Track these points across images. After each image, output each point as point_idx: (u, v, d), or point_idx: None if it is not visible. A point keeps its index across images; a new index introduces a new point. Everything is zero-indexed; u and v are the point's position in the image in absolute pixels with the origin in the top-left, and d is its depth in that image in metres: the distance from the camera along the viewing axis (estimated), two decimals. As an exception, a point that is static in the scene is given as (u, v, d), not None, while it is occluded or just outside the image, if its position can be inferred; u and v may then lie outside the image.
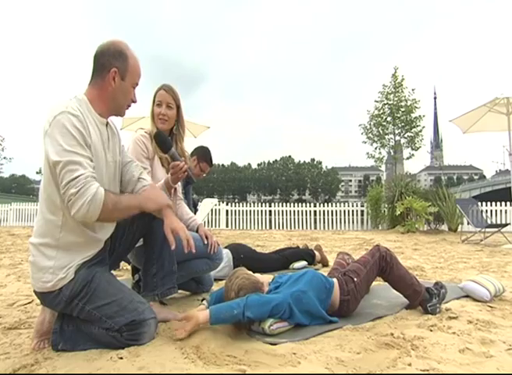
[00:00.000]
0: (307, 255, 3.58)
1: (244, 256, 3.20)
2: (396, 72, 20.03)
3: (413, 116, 19.37)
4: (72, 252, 1.50)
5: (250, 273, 1.86)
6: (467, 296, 2.25)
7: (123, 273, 3.30)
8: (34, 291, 1.56)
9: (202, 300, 1.91)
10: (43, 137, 1.44)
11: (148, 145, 2.22)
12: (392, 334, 1.56)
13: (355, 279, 1.87)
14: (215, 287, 2.65)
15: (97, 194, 1.37)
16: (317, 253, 3.67)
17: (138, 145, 2.20)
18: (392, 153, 20.94)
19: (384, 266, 1.93)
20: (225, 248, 3.33)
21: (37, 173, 75.76)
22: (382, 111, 20.22)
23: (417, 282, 1.98)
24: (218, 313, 1.55)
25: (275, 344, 1.50)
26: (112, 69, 1.56)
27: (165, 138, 1.99)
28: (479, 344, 1.50)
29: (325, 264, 3.66)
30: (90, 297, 1.49)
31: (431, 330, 1.63)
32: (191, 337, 1.52)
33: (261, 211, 11.77)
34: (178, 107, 2.29)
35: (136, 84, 1.67)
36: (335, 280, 1.90)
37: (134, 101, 1.69)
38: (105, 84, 1.57)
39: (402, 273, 1.96)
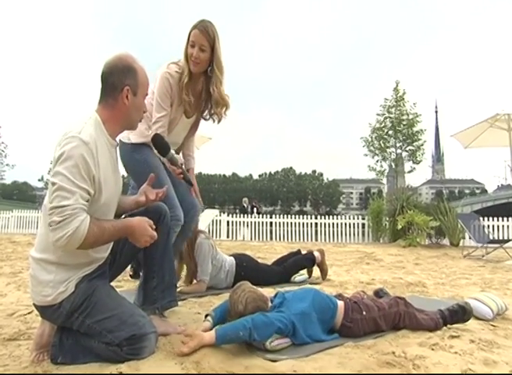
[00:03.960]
0: (308, 260, 3.48)
1: (247, 265, 3.17)
2: (397, 86, 20.17)
3: (414, 129, 19.45)
4: (72, 268, 1.50)
5: (254, 287, 1.85)
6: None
7: (123, 285, 3.28)
8: (34, 304, 1.55)
9: (206, 316, 1.89)
10: (55, 156, 1.43)
11: (173, 84, 2.18)
12: (393, 353, 1.54)
13: (364, 313, 1.78)
14: (216, 300, 2.63)
15: (79, 229, 1.35)
16: (317, 254, 3.49)
17: (163, 83, 2.17)
18: (393, 166, 20.96)
19: (397, 323, 1.86)
20: (230, 256, 3.30)
21: (38, 180, 76.05)
22: (383, 124, 20.31)
23: (435, 321, 1.88)
24: (224, 335, 1.53)
25: (275, 361, 1.49)
26: (124, 89, 1.55)
27: (163, 142, 1.91)
28: (482, 364, 1.48)
29: (323, 268, 3.51)
30: (90, 311, 1.48)
31: (432, 349, 1.61)
32: (191, 353, 1.51)
33: (262, 222, 11.75)
34: (212, 48, 2.14)
35: (147, 94, 1.68)
36: (340, 302, 1.84)
37: (145, 112, 1.69)
38: (118, 105, 1.57)
39: (417, 326, 1.87)
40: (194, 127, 2.53)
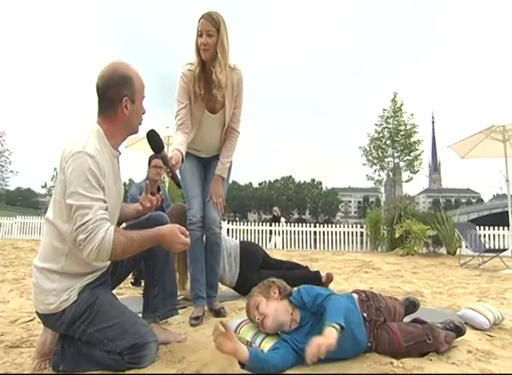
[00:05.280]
0: (314, 279, 3.22)
1: (255, 259, 3.09)
2: (395, 97, 20.32)
3: (412, 140, 19.54)
4: (75, 277, 1.50)
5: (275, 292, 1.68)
6: (465, 323, 2.22)
7: (125, 292, 3.27)
8: (36, 312, 1.54)
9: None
10: (60, 172, 1.45)
11: (187, 82, 2.26)
12: (391, 363, 1.52)
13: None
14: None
15: (104, 240, 1.36)
16: (324, 275, 3.28)
17: (178, 83, 2.28)
18: (391, 175, 21.02)
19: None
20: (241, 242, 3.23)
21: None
22: (381, 134, 20.42)
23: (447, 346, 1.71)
24: (253, 369, 1.40)
25: (275, 371, 1.48)
26: (123, 100, 1.55)
27: (156, 139, 1.80)
28: (479, 375, 1.48)
29: None
30: (92, 319, 1.48)
31: (430, 360, 1.59)
32: (192, 362, 1.50)
33: (262, 230, 11.73)
34: (218, 31, 2.16)
35: (144, 97, 1.66)
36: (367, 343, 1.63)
37: (144, 113, 1.68)
38: (119, 116, 1.56)
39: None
40: (224, 124, 2.40)
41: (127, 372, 1.42)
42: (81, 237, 1.36)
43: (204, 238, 2.44)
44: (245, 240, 3.37)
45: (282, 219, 13.82)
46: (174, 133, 2.32)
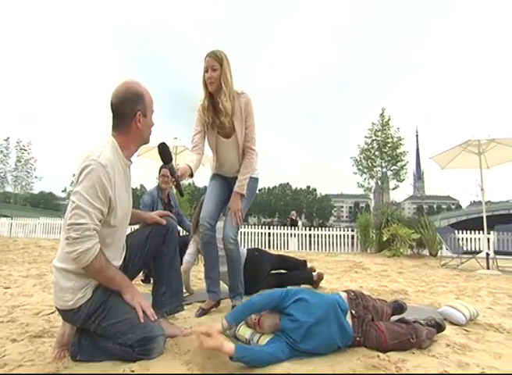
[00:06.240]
0: (307, 279, 3.39)
1: (258, 268, 3.05)
2: (383, 112, 20.41)
3: (398, 151, 19.58)
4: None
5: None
6: (444, 319, 2.22)
7: (136, 288, 3.26)
8: (56, 308, 1.55)
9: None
10: (76, 177, 1.45)
11: (201, 114, 2.32)
12: (378, 357, 1.52)
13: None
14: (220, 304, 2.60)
15: (89, 250, 1.37)
16: (315, 274, 3.43)
17: (195, 115, 2.36)
18: (379, 183, 21.04)
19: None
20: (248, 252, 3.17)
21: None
22: (371, 146, 20.49)
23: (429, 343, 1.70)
24: (240, 358, 1.40)
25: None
26: (136, 114, 1.56)
27: (166, 151, 1.83)
28: (456, 366, 1.47)
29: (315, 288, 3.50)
30: (105, 314, 1.48)
31: (413, 353, 1.59)
32: (196, 355, 1.50)
33: (261, 233, 11.69)
34: (221, 66, 2.20)
35: (153, 111, 1.66)
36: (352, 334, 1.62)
37: (153, 125, 1.68)
38: (132, 129, 1.58)
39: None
40: (239, 146, 2.38)
41: (135, 371, 1.41)
42: (72, 234, 1.36)
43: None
44: (253, 247, 3.31)
45: (300, 223, 13.66)
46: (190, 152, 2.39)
